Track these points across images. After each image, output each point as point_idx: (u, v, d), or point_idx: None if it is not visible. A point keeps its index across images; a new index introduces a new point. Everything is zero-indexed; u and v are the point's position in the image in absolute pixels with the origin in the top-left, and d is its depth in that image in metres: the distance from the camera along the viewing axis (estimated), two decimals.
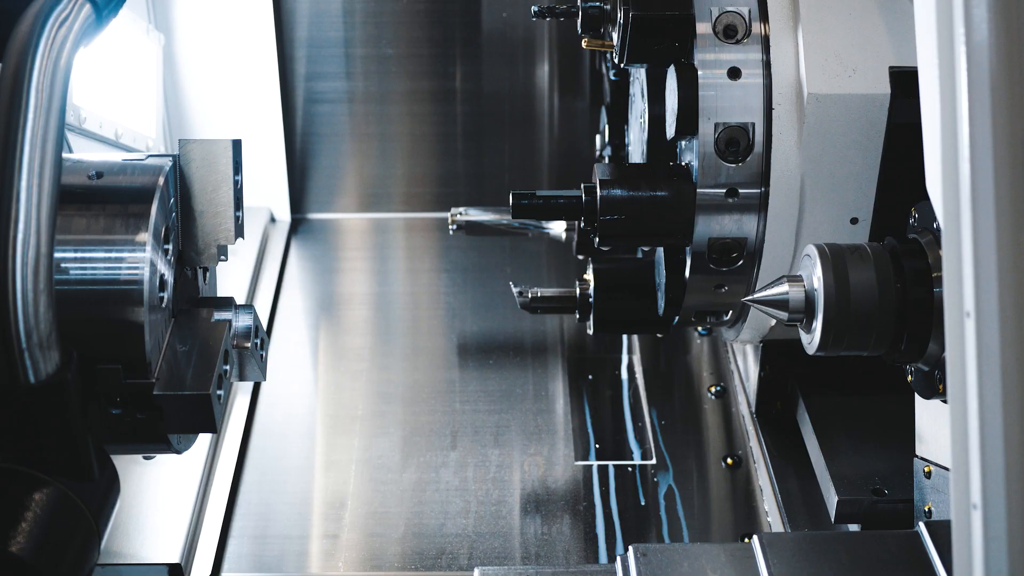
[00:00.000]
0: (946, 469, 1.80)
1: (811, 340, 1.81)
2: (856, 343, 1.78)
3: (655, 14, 2.14)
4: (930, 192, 1.63)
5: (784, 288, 1.82)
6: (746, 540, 1.90)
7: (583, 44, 2.49)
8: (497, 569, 1.83)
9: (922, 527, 1.74)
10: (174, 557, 2.27)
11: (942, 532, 1.72)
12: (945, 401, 1.77)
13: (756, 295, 1.86)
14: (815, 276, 1.78)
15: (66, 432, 1.56)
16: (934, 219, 1.75)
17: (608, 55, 2.57)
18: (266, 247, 3.35)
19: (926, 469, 1.88)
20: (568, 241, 2.85)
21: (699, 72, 2.08)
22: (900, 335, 1.76)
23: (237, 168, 1.81)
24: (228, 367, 1.78)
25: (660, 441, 2.65)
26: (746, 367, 2.66)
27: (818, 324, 1.78)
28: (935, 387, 1.76)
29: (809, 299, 1.80)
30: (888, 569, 1.71)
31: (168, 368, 1.69)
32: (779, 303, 1.82)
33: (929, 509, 1.87)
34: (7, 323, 1.46)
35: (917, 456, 1.92)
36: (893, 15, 2.07)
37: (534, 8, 2.69)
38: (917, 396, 1.87)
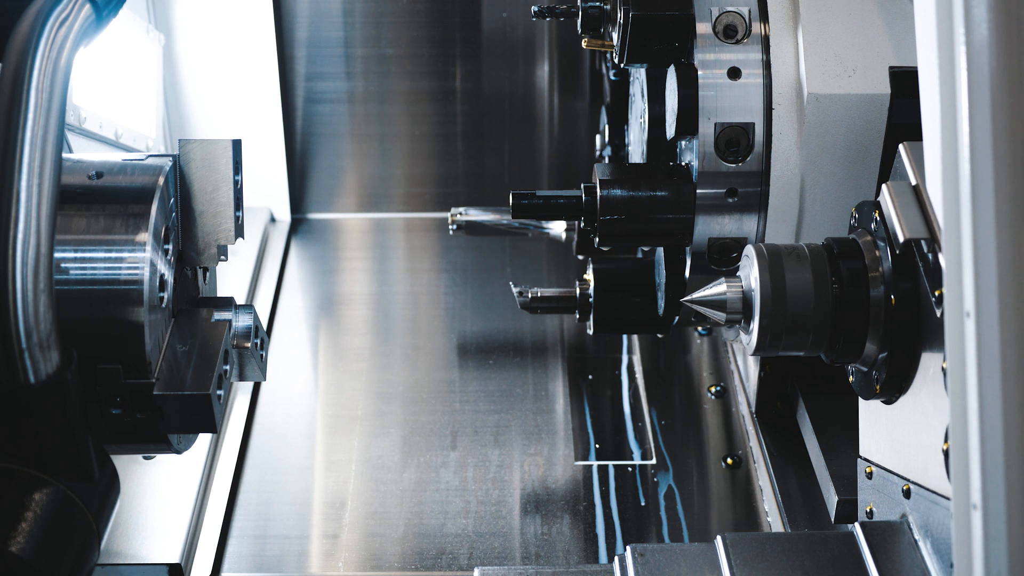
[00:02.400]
0: (886, 470, 1.80)
1: (749, 341, 1.81)
2: (794, 344, 1.79)
3: (655, 14, 2.14)
4: (930, 192, 1.63)
5: (722, 288, 1.82)
6: None
7: (583, 44, 2.49)
8: (497, 569, 1.83)
9: (857, 528, 1.73)
10: (174, 557, 2.27)
11: (876, 533, 1.72)
12: (885, 402, 1.78)
13: (695, 295, 1.87)
14: (752, 276, 1.78)
15: (66, 432, 1.56)
16: (872, 219, 1.75)
17: (608, 55, 2.57)
18: (266, 247, 3.36)
19: (868, 470, 1.88)
20: (568, 241, 2.85)
21: (699, 72, 2.08)
22: (838, 335, 1.76)
23: (237, 168, 1.81)
24: (228, 367, 1.78)
25: (660, 441, 2.65)
26: (746, 367, 2.66)
27: (755, 325, 1.78)
28: (873, 387, 1.76)
29: (746, 300, 1.80)
30: (851, 569, 1.71)
31: (168, 368, 1.69)
32: (717, 303, 1.83)
33: (871, 510, 1.87)
34: (7, 323, 1.46)
35: (860, 456, 1.92)
36: (893, 15, 2.07)
37: (534, 8, 2.70)
38: (860, 397, 1.87)
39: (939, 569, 1.61)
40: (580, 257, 2.72)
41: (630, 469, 2.57)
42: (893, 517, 1.76)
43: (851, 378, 1.85)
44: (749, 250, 1.81)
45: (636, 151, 2.49)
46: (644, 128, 2.33)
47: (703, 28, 2.10)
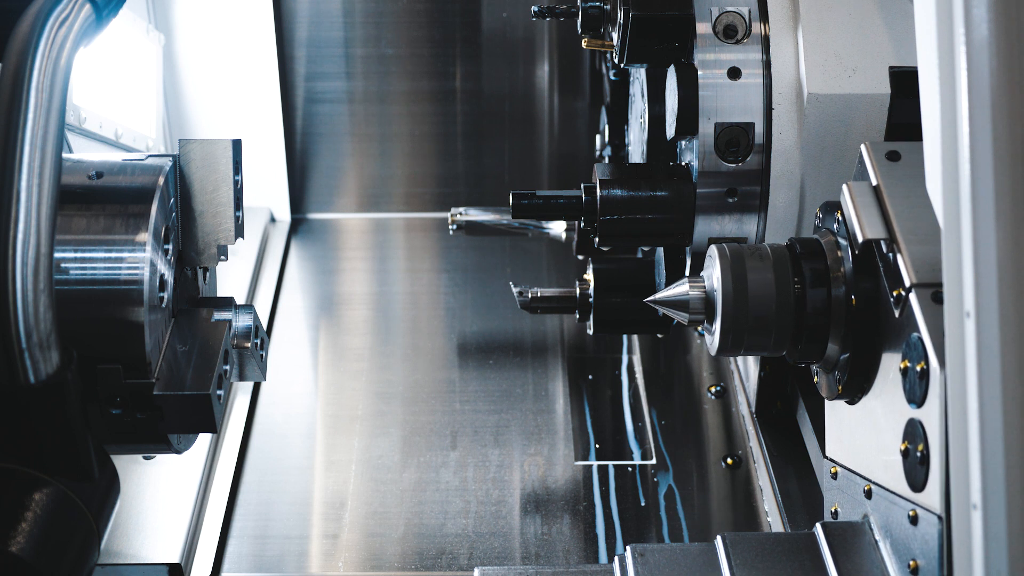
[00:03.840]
0: (849, 470, 1.80)
1: (712, 341, 1.81)
2: (756, 344, 1.79)
3: (655, 14, 2.14)
4: (930, 192, 1.63)
5: (684, 289, 1.82)
6: None
7: (583, 44, 2.49)
8: (497, 569, 1.83)
9: (818, 528, 1.73)
10: (174, 557, 2.27)
11: (837, 533, 1.72)
12: (848, 402, 1.77)
13: (657, 296, 1.87)
14: (714, 277, 1.78)
15: (66, 432, 1.56)
16: (835, 219, 1.75)
17: (608, 55, 2.57)
18: (266, 247, 3.36)
19: (832, 470, 1.88)
20: (568, 241, 2.85)
21: (699, 72, 2.08)
22: (800, 336, 1.76)
23: (237, 168, 1.81)
24: (228, 367, 1.78)
25: (660, 441, 2.65)
26: (746, 367, 2.66)
27: (716, 326, 1.78)
28: (836, 388, 1.76)
29: (709, 300, 1.80)
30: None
31: (168, 368, 1.69)
32: (679, 304, 1.83)
33: (835, 511, 1.87)
34: (7, 323, 1.47)
35: (826, 457, 1.92)
36: (893, 15, 2.07)
37: (534, 8, 2.70)
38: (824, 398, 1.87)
39: (897, 569, 1.61)
40: (580, 257, 2.72)
41: (630, 469, 2.57)
42: (856, 518, 1.76)
43: (815, 378, 1.85)
44: (712, 250, 1.81)
45: (636, 151, 2.49)
46: (644, 128, 2.33)
47: (703, 28, 2.10)
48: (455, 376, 2.88)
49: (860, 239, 1.65)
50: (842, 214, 1.72)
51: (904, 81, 2.03)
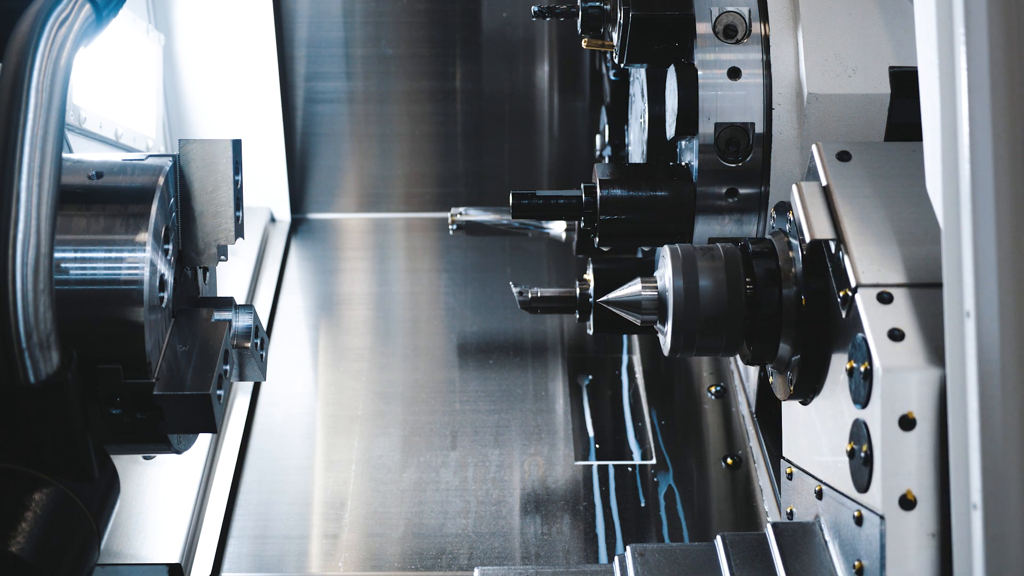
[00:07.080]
0: (803, 471, 1.80)
1: (664, 342, 1.81)
2: (708, 345, 1.78)
3: (655, 14, 2.14)
4: (930, 192, 1.63)
5: (636, 289, 1.82)
6: None
7: (583, 44, 2.49)
8: (497, 569, 1.83)
9: (769, 529, 1.73)
10: (174, 557, 2.27)
11: (788, 533, 1.72)
12: (802, 402, 1.77)
13: (610, 296, 1.86)
14: (666, 277, 1.78)
15: (66, 432, 1.56)
16: (788, 220, 1.74)
17: (608, 55, 2.57)
18: (266, 247, 3.36)
19: (788, 471, 1.87)
20: (568, 241, 2.85)
21: (699, 72, 2.08)
22: (752, 336, 1.75)
23: (237, 168, 1.81)
24: (228, 367, 1.78)
25: (660, 441, 2.65)
26: (746, 367, 2.66)
27: (668, 326, 1.77)
28: (788, 388, 1.75)
29: (661, 300, 1.80)
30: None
31: (168, 368, 1.69)
32: (631, 304, 1.82)
33: (791, 511, 1.86)
34: (7, 323, 1.47)
35: (782, 457, 1.92)
36: (893, 15, 2.07)
37: (534, 8, 2.70)
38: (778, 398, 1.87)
39: (844, 570, 1.61)
40: (580, 257, 2.72)
41: (630, 469, 2.57)
42: (809, 518, 1.76)
43: (770, 379, 1.85)
44: (664, 250, 1.80)
45: (636, 151, 2.49)
46: (644, 128, 2.33)
47: (703, 28, 2.10)
48: (455, 376, 2.88)
49: (808, 239, 1.65)
50: (792, 214, 1.72)
51: (904, 81, 2.03)
